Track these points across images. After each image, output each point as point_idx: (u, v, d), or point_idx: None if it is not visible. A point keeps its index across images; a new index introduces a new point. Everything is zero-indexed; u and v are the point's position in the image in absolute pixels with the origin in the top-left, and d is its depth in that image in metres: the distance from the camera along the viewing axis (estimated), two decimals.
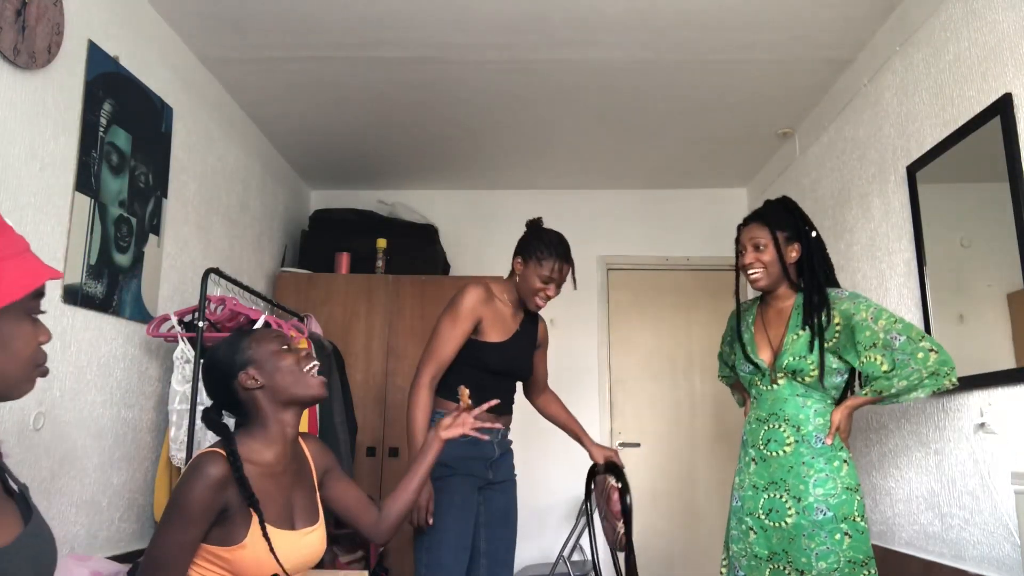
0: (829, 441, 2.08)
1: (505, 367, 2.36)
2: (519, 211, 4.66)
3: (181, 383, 2.57)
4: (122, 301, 2.47)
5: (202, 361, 1.71)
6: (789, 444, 2.11)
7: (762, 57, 2.96)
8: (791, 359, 2.12)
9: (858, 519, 2.04)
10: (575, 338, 4.40)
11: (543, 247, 2.34)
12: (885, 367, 2.00)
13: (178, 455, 2.52)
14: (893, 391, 2.01)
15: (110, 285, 2.40)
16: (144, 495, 2.61)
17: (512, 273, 2.40)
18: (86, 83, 2.27)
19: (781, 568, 2.09)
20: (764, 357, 2.21)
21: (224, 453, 1.45)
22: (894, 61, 2.71)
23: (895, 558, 2.58)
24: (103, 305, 2.37)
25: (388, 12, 2.68)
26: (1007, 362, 2.05)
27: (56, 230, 2.15)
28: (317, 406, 2.83)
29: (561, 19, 2.71)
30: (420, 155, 4.07)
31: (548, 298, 2.36)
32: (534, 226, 2.44)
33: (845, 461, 2.07)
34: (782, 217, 2.22)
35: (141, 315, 2.59)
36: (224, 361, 1.58)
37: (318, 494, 1.68)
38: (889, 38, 2.72)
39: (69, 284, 2.19)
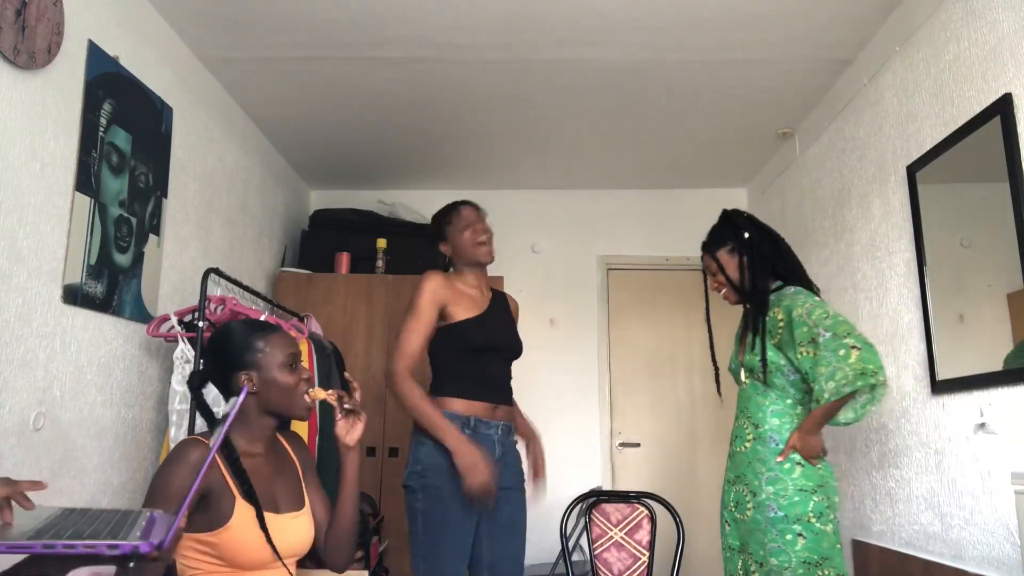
0: (780, 459, 2.09)
1: (488, 342, 2.20)
2: (519, 211, 4.70)
3: (181, 383, 2.57)
4: (122, 301, 2.47)
5: (212, 332, 1.73)
6: (749, 440, 2.18)
7: (762, 57, 2.96)
8: (747, 358, 2.22)
9: (814, 520, 2.04)
10: (575, 338, 4.40)
11: (444, 210, 2.34)
12: (810, 365, 2.04)
13: None
14: (826, 395, 1.99)
15: (110, 285, 2.40)
16: (144, 495, 2.60)
17: (448, 259, 2.34)
18: (86, 83, 2.27)
19: (747, 560, 2.17)
20: (740, 359, 2.30)
21: (204, 440, 1.49)
22: (894, 61, 2.71)
23: (895, 558, 2.58)
24: (103, 305, 2.37)
25: (388, 12, 2.68)
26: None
27: (56, 230, 2.15)
28: (317, 406, 2.83)
29: (561, 19, 2.71)
30: (420, 155, 4.07)
31: (487, 237, 2.29)
32: (432, 219, 2.41)
33: (799, 463, 2.08)
34: (718, 235, 2.37)
35: (141, 315, 2.59)
36: (232, 351, 1.61)
37: (303, 484, 1.70)
38: (889, 38, 2.72)
39: (69, 284, 2.19)
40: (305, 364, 2.83)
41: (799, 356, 2.07)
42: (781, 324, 2.12)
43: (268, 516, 1.53)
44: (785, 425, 2.12)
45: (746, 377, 2.24)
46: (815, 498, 2.05)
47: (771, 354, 2.14)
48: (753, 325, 2.20)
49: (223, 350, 1.62)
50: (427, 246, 4.28)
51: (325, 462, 2.84)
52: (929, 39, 2.48)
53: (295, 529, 1.60)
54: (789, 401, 2.14)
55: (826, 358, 1.99)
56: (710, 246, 2.38)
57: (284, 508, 1.60)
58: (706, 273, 2.41)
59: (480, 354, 2.20)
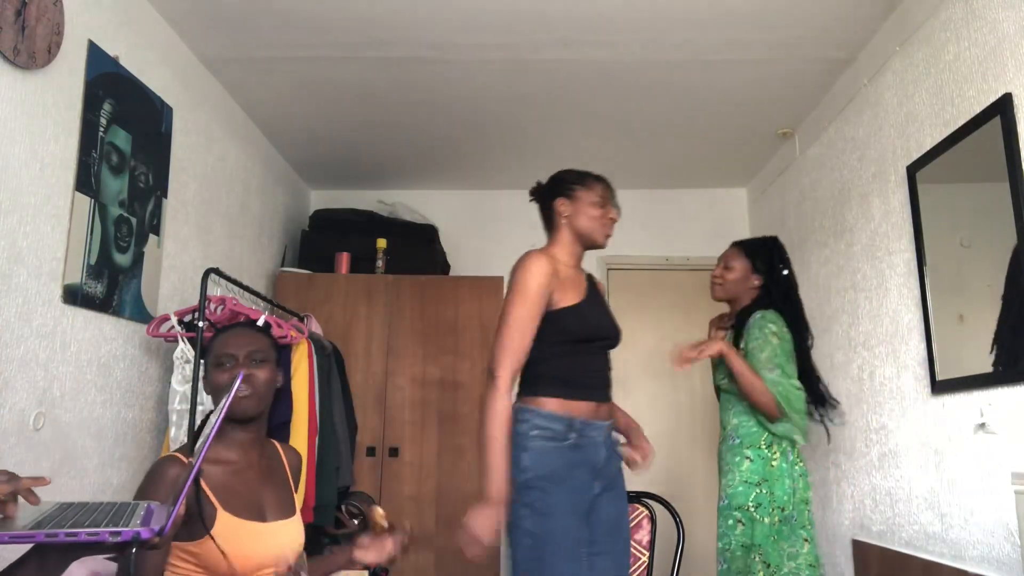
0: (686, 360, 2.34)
1: (593, 331, 1.98)
2: (519, 211, 4.66)
3: (181, 383, 2.57)
4: (122, 301, 2.47)
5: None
6: (720, 441, 2.53)
7: (762, 57, 2.96)
8: (722, 370, 2.51)
9: (752, 509, 2.30)
10: None
11: (578, 174, 2.08)
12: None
13: None
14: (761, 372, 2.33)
15: (110, 285, 2.40)
16: None
17: (557, 226, 2.07)
18: (86, 83, 2.27)
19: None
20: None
21: (183, 457, 1.53)
22: (894, 61, 2.71)
23: (895, 558, 2.58)
24: (103, 305, 2.37)
25: (388, 12, 2.68)
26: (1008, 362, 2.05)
27: (56, 230, 2.15)
28: (317, 406, 2.83)
29: (561, 19, 2.71)
30: (420, 155, 4.07)
31: (613, 222, 2.07)
32: (554, 173, 2.17)
33: (748, 458, 2.38)
34: (759, 250, 2.58)
35: (141, 315, 2.59)
36: (206, 356, 1.67)
37: (294, 492, 1.72)
38: (889, 38, 2.72)
39: (69, 284, 2.19)
40: (304, 366, 2.83)
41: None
42: (741, 346, 2.45)
43: (250, 524, 1.54)
44: (743, 424, 2.42)
45: (720, 386, 2.55)
46: (756, 490, 2.34)
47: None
48: (734, 342, 2.49)
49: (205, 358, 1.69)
50: (427, 246, 4.23)
51: (325, 462, 2.85)
52: (929, 39, 2.48)
53: (284, 535, 1.61)
54: (744, 405, 2.44)
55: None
56: (744, 249, 2.59)
57: (272, 515, 1.61)
58: (720, 261, 2.61)
59: (585, 345, 1.96)
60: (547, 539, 1.78)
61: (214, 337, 1.68)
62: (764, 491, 2.33)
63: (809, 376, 2.48)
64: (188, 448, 1.58)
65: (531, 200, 2.16)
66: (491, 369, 1.84)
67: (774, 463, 2.36)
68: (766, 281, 2.50)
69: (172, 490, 1.42)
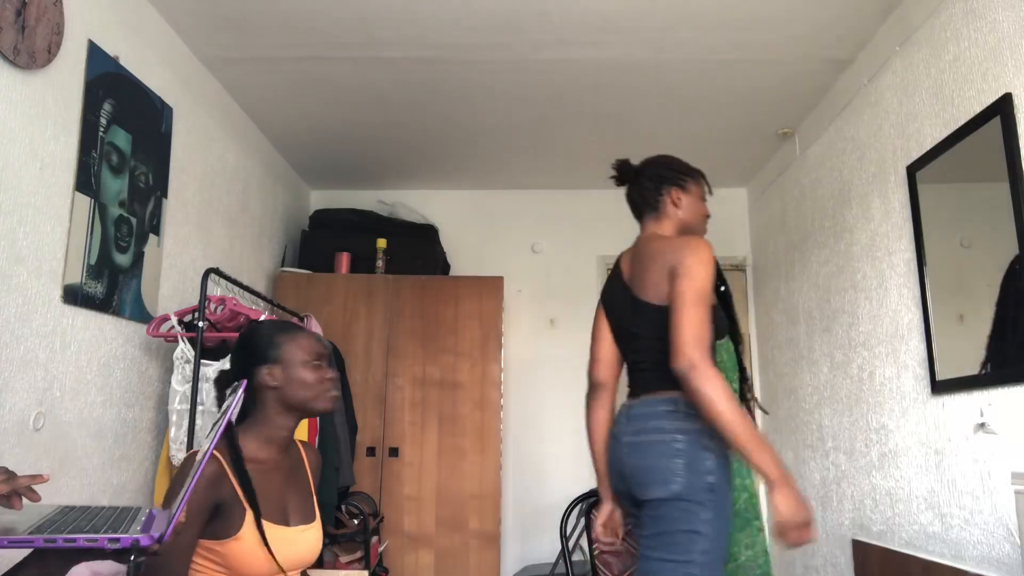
0: None
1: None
2: (519, 211, 4.70)
3: (181, 383, 2.57)
4: (122, 301, 2.47)
5: (243, 329, 1.73)
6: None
7: (762, 57, 2.96)
8: None
9: None
10: (576, 338, 4.39)
11: (687, 165, 2.02)
12: None
13: (178, 455, 2.52)
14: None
15: (110, 285, 2.40)
16: (144, 495, 2.61)
17: (663, 215, 1.97)
18: (86, 83, 2.27)
19: None
20: None
21: (218, 454, 1.48)
22: (894, 61, 2.71)
23: (895, 558, 2.58)
24: (103, 305, 2.37)
25: (388, 12, 2.68)
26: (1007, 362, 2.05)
27: (56, 230, 2.15)
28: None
29: (561, 19, 2.71)
30: (420, 155, 4.07)
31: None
32: (658, 158, 2.08)
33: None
34: None
35: (141, 315, 2.59)
36: (256, 346, 1.62)
37: (315, 497, 1.69)
38: (889, 38, 2.72)
39: (69, 284, 2.19)
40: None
41: None
42: None
43: (277, 528, 1.52)
44: None
45: None
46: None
47: None
48: None
49: (249, 346, 1.64)
50: (427, 246, 4.23)
51: (325, 462, 2.85)
52: (929, 39, 2.48)
53: (304, 541, 1.59)
54: None
55: None
56: None
57: (294, 520, 1.59)
58: None
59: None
60: (718, 555, 1.65)
61: (285, 333, 1.64)
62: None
63: (741, 386, 2.47)
64: (224, 443, 1.53)
65: (617, 179, 2.06)
66: (691, 359, 1.61)
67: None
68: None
69: (207, 487, 1.41)
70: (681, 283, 1.70)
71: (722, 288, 2.06)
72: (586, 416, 2.01)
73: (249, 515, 1.48)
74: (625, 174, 2.05)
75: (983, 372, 2.12)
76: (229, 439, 1.51)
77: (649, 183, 2.00)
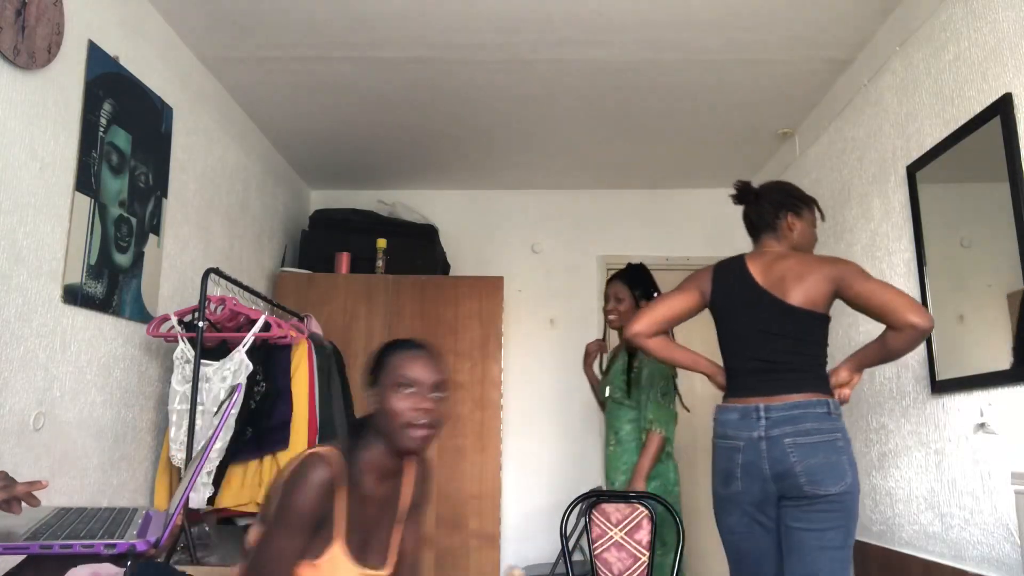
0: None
1: None
2: (519, 211, 4.70)
3: (181, 383, 2.57)
4: (122, 301, 2.47)
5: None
6: (612, 445, 2.91)
7: (762, 57, 2.96)
8: (616, 383, 2.92)
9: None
10: (575, 338, 4.39)
11: (804, 194, 2.25)
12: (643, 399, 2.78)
13: (178, 455, 2.52)
14: (645, 425, 2.77)
15: (110, 285, 2.40)
16: (144, 495, 2.61)
17: (781, 236, 2.20)
18: (86, 83, 2.27)
19: None
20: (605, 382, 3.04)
21: (331, 456, 1.37)
22: (894, 61, 2.71)
23: (895, 558, 2.58)
24: (103, 305, 2.37)
25: (388, 12, 2.68)
26: (1007, 362, 2.05)
27: (56, 230, 2.15)
28: (317, 406, 2.83)
29: (561, 19, 2.71)
30: (420, 155, 4.07)
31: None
32: (778, 184, 2.31)
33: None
34: (640, 279, 2.96)
35: (141, 315, 2.59)
36: (376, 361, 1.53)
37: (397, 534, 1.53)
38: (889, 38, 2.72)
39: (69, 284, 2.19)
40: (304, 366, 2.83)
41: (642, 390, 2.79)
42: (636, 366, 2.80)
43: (351, 566, 1.39)
44: (636, 430, 2.82)
45: (614, 397, 2.87)
46: (654, 483, 2.72)
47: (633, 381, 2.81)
48: (628, 364, 2.82)
49: (373, 360, 1.54)
50: (427, 246, 4.25)
51: None
52: (929, 39, 2.48)
53: None
54: (634, 414, 2.83)
55: (643, 403, 2.77)
56: (625, 280, 2.95)
57: (371, 561, 1.44)
58: (610, 296, 2.96)
59: None
60: None
61: (392, 352, 1.51)
62: (658, 484, 2.73)
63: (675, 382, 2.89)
64: (342, 445, 1.43)
65: (736, 199, 2.28)
66: (922, 310, 1.88)
67: (661, 461, 2.76)
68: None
69: (319, 496, 1.30)
70: (864, 279, 1.99)
71: (656, 295, 2.84)
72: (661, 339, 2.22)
73: (338, 543, 1.35)
74: (745, 196, 2.26)
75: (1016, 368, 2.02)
76: (352, 452, 1.40)
77: (769, 206, 2.22)
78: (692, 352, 2.22)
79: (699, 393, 4.41)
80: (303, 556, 1.32)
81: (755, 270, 2.13)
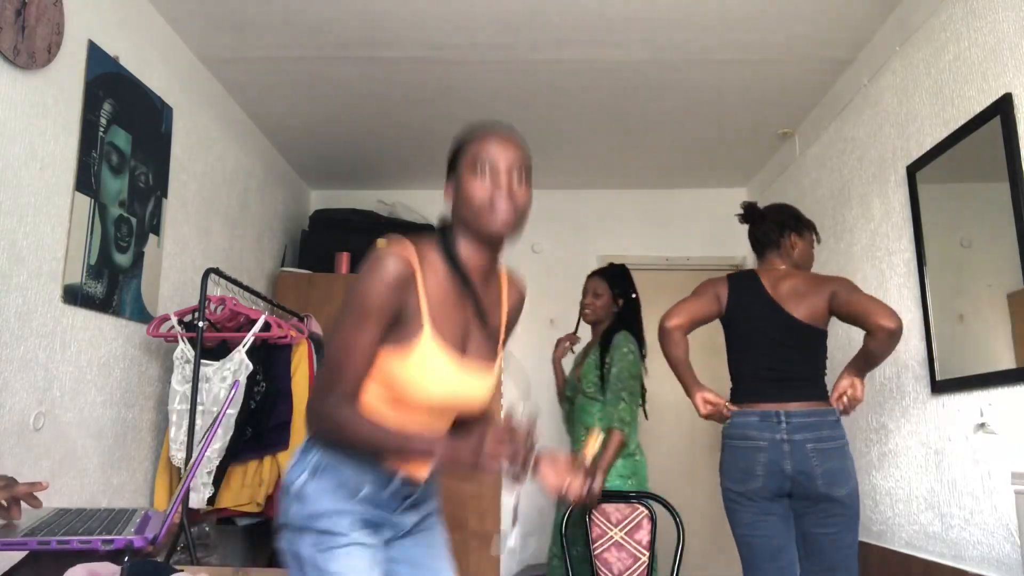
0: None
1: None
2: None
3: (181, 383, 2.57)
4: (122, 301, 2.47)
5: None
6: (582, 440, 2.85)
7: (762, 57, 2.96)
8: (587, 379, 2.90)
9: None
10: None
11: (804, 217, 2.47)
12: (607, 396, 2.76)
13: (178, 455, 2.52)
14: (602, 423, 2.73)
15: (110, 285, 2.40)
16: (144, 495, 2.61)
17: (784, 255, 2.42)
18: (86, 83, 2.27)
19: None
20: (577, 378, 3.00)
21: (402, 250, 1.29)
22: (894, 61, 2.71)
23: (895, 558, 2.58)
24: (103, 305, 2.37)
25: (388, 12, 2.68)
26: (1007, 362, 2.05)
27: (56, 230, 2.15)
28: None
29: (561, 19, 2.71)
30: (420, 155, 4.07)
31: None
32: (781, 206, 2.51)
33: (620, 456, 2.77)
34: (618, 277, 2.99)
35: (141, 315, 2.59)
36: (453, 148, 1.44)
37: (501, 340, 1.46)
38: (889, 38, 2.72)
39: (69, 284, 2.19)
40: (304, 366, 2.83)
41: (609, 387, 2.76)
42: (607, 362, 2.79)
43: (450, 355, 1.31)
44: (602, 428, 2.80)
45: (586, 392, 2.84)
46: (630, 481, 2.71)
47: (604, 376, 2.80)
48: (600, 358, 2.82)
49: (450, 150, 1.43)
50: None
51: None
52: (929, 39, 2.48)
53: (475, 381, 1.36)
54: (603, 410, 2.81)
55: (610, 399, 2.72)
56: (605, 277, 2.98)
57: (472, 357, 1.36)
58: (588, 290, 2.98)
59: None
60: None
61: (468, 134, 1.42)
62: (633, 483, 2.74)
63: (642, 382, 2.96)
64: (438, 244, 1.34)
65: (743, 218, 2.48)
66: (888, 317, 2.08)
67: (637, 458, 2.78)
68: (623, 304, 2.93)
69: (393, 290, 1.24)
70: (850, 291, 2.20)
71: (634, 296, 3.01)
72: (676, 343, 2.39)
73: (426, 333, 1.28)
74: (752, 216, 2.46)
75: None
76: (445, 241, 1.33)
77: (774, 226, 2.41)
78: (691, 370, 2.37)
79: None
80: (377, 347, 1.27)
81: (767, 285, 2.31)
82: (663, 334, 2.37)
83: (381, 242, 1.39)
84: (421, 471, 1.36)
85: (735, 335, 2.36)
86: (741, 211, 2.47)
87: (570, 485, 1.35)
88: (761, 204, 2.51)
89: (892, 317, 2.06)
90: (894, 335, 2.06)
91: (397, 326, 1.28)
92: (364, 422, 1.26)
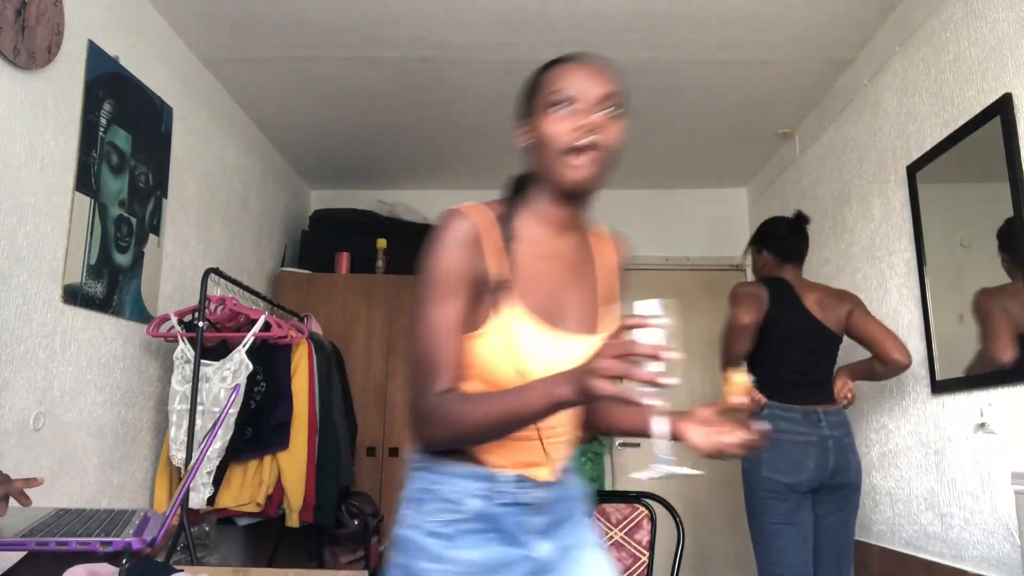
0: None
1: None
2: None
3: (181, 383, 2.57)
4: (122, 301, 2.47)
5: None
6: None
7: (762, 57, 2.96)
8: None
9: None
10: None
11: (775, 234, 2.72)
12: None
13: (178, 455, 2.52)
14: None
15: (110, 285, 2.40)
16: (144, 495, 2.61)
17: (801, 267, 2.70)
18: (86, 83, 2.27)
19: None
20: None
21: (468, 212, 1.15)
22: (894, 61, 2.71)
23: (895, 558, 2.58)
24: (103, 305, 2.37)
25: (388, 12, 2.68)
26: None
27: (56, 230, 2.15)
28: (317, 406, 2.83)
29: (561, 19, 2.71)
30: (420, 155, 4.07)
31: None
32: (765, 229, 2.74)
33: (589, 459, 2.94)
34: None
35: (141, 315, 2.59)
36: (528, 86, 1.25)
37: (604, 305, 1.26)
38: (889, 38, 2.72)
39: (69, 284, 2.19)
40: (304, 366, 2.83)
41: None
42: None
43: (540, 329, 1.13)
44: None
45: None
46: (596, 484, 2.88)
47: None
48: None
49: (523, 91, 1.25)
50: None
51: (325, 462, 2.84)
52: (929, 39, 2.48)
53: (572, 357, 1.03)
54: None
55: None
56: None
57: (569, 326, 1.17)
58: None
59: None
60: None
61: (546, 68, 1.21)
62: (599, 485, 2.95)
63: None
64: (495, 208, 1.20)
65: (797, 227, 2.63)
66: (903, 353, 2.38)
67: (603, 461, 3.00)
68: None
69: (467, 251, 1.11)
70: (865, 313, 2.49)
71: None
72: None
73: (510, 299, 1.11)
74: (803, 227, 2.64)
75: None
76: (513, 204, 1.17)
77: (807, 241, 2.64)
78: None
79: (698, 394, 4.41)
80: (464, 325, 1.11)
81: (800, 294, 2.50)
82: (740, 329, 2.43)
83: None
84: (540, 467, 1.15)
85: (772, 339, 2.45)
86: (797, 217, 2.62)
87: (727, 440, 1.16)
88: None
89: (905, 353, 2.32)
90: (905, 368, 2.34)
91: (477, 302, 1.12)
92: (473, 399, 1.07)
